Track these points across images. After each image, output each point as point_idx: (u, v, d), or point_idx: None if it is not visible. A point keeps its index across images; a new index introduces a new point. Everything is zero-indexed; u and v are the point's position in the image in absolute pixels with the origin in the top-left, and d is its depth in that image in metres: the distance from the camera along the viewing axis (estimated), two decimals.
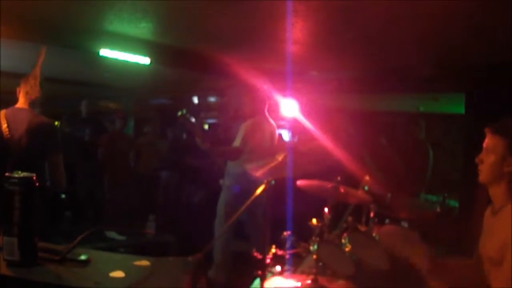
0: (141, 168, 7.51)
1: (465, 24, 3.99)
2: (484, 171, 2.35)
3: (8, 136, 3.44)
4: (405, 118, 6.55)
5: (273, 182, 2.56)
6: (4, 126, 3.46)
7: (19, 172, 1.43)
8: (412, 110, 8.44)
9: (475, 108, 5.76)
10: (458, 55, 5.32)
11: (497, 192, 2.32)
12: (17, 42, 4.87)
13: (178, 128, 8.37)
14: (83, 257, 1.46)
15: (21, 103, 3.63)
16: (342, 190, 3.07)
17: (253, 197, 2.47)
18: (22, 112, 3.57)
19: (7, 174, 1.41)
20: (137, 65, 5.87)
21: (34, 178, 1.42)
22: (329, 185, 3.07)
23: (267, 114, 4.86)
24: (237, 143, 4.69)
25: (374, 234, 3.07)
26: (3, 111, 3.55)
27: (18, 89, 3.65)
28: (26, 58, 3.94)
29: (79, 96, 7.78)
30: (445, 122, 8.85)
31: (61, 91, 8.34)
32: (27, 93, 3.62)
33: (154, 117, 8.78)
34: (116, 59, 5.55)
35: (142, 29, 4.90)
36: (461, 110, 6.26)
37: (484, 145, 2.36)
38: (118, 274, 1.38)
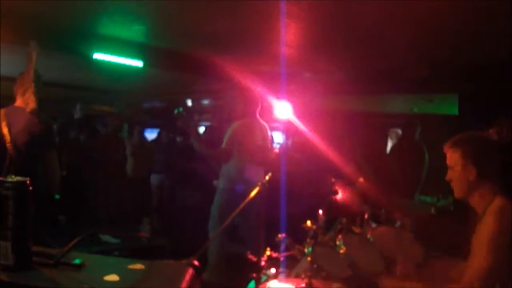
0: (134, 171, 7.50)
1: (459, 25, 4.00)
2: (456, 188, 2.36)
3: (8, 133, 3.49)
4: (399, 119, 6.57)
5: (267, 184, 2.56)
6: (4, 124, 3.51)
7: (13, 176, 1.42)
8: (406, 111, 8.47)
9: (469, 109, 5.79)
10: (451, 56, 5.34)
11: (474, 202, 2.33)
12: (13, 46, 4.85)
13: (172, 131, 8.36)
14: (77, 261, 1.45)
15: (19, 102, 3.69)
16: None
17: (247, 199, 2.47)
18: (20, 110, 3.63)
19: (0, 178, 1.40)
20: (130, 68, 5.87)
21: (28, 182, 1.42)
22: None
23: (258, 116, 4.85)
24: (223, 144, 4.70)
25: (368, 236, 3.08)
26: (3, 110, 3.65)
27: (15, 88, 3.70)
28: (22, 63, 3.94)
29: (72, 100, 7.75)
30: (439, 123, 8.86)
31: (55, 95, 8.32)
32: (24, 91, 3.66)
33: (143, 120, 8.76)
34: (109, 62, 5.54)
35: (135, 32, 4.90)
36: (455, 111, 6.29)
37: (447, 163, 2.39)
38: (113, 277, 1.38)
